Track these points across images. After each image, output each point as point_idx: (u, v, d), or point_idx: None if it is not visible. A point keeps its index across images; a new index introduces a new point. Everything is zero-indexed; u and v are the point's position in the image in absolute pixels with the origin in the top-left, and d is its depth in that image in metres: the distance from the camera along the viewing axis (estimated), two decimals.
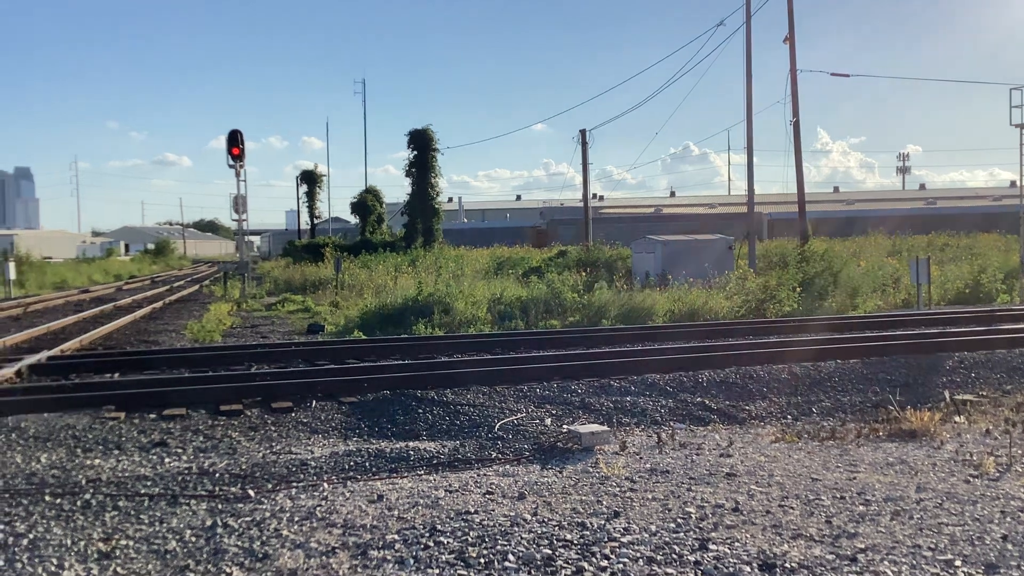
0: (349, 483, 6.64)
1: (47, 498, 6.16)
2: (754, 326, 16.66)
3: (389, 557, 4.84)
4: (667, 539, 5.05)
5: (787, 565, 4.61)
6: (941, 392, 10.52)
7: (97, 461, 7.22)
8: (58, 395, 9.55)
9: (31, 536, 5.34)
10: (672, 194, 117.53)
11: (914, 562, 4.69)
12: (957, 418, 9.18)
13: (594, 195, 70.87)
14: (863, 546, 4.95)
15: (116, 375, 11.61)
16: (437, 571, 4.61)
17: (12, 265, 33.98)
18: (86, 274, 50.77)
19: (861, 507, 5.79)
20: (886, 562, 4.69)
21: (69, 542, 5.23)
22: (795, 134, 31.67)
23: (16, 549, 5.11)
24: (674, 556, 4.76)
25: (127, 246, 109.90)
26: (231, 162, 28.15)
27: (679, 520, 5.46)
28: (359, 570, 4.66)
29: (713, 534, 5.15)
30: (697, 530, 5.24)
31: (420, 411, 9.24)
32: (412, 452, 7.60)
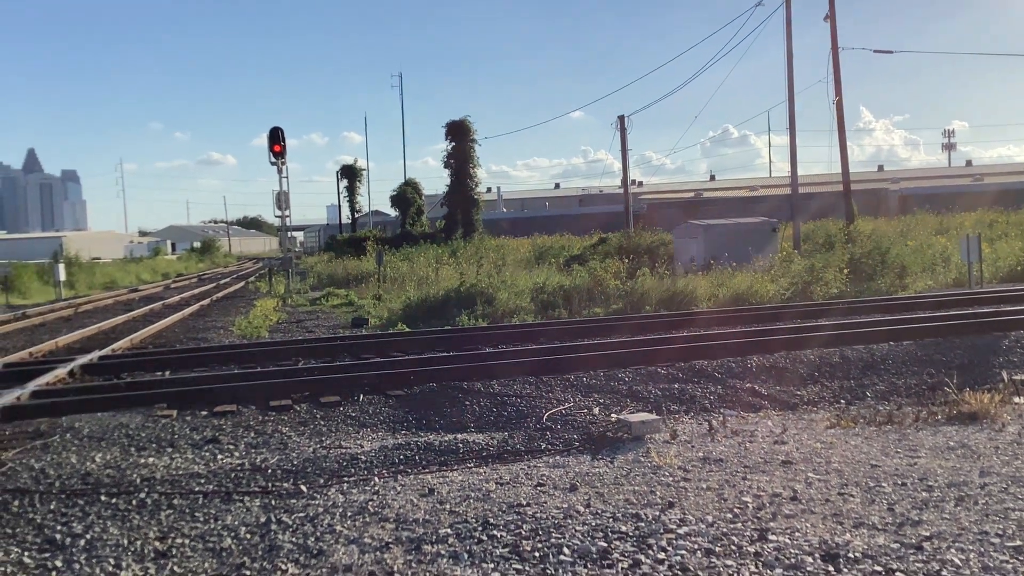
0: (399, 477, 6.62)
1: (103, 498, 6.22)
2: (801, 309, 16.41)
3: (443, 552, 4.80)
4: (724, 530, 4.96)
5: (850, 555, 4.49)
6: (999, 373, 10.26)
7: (151, 459, 7.29)
8: (111, 394, 9.66)
9: (88, 536, 5.38)
10: (712, 178, 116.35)
11: (982, 549, 4.55)
12: (1017, 399, 8.93)
13: (633, 181, 70.36)
14: (928, 534, 4.82)
15: (167, 373, 11.74)
16: (492, 566, 4.56)
17: (62, 267, 34.61)
18: (134, 273, 51.61)
19: (924, 493, 5.64)
20: (953, 550, 4.56)
21: (126, 541, 5.27)
22: (838, 113, 31.16)
23: (74, 550, 5.16)
24: (733, 547, 4.67)
25: (173, 245, 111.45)
26: (273, 159, 28.38)
27: (736, 510, 5.36)
28: (413, 565, 4.63)
29: (772, 524, 5.04)
30: (755, 520, 5.14)
31: (467, 403, 9.21)
32: (461, 444, 7.57)
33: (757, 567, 4.39)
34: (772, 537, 4.80)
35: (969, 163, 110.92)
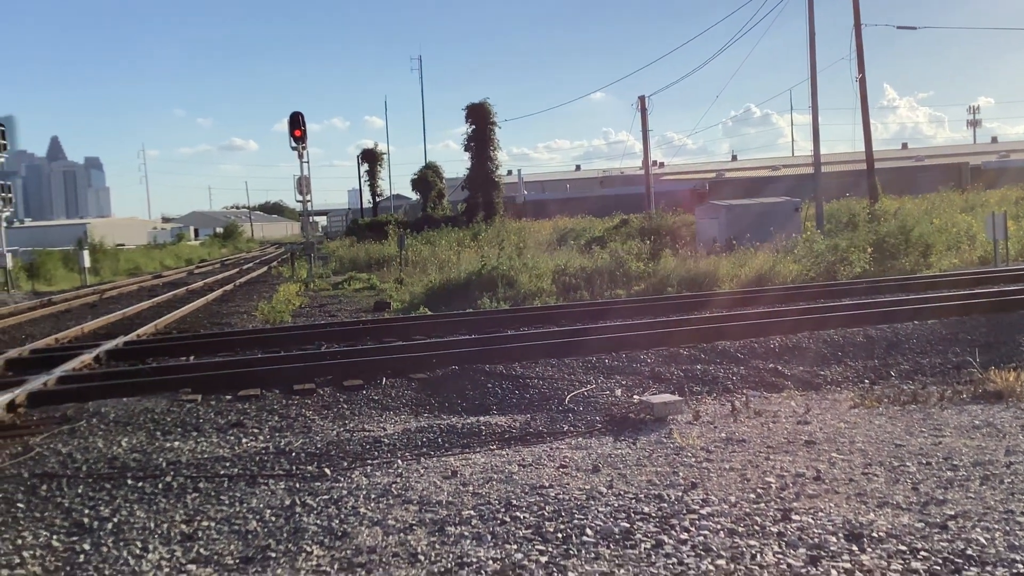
0: (423, 459, 6.65)
1: (129, 481, 6.29)
2: (825, 289, 16.30)
3: (466, 533, 4.83)
4: (747, 510, 4.95)
5: (874, 534, 4.48)
6: None
7: (176, 443, 7.36)
8: (136, 379, 9.76)
9: (115, 520, 5.45)
10: (734, 158, 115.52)
11: (1007, 528, 4.52)
12: None
13: (654, 162, 69.96)
14: (953, 513, 4.79)
15: (191, 358, 11.83)
16: (515, 547, 4.58)
17: (87, 253, 34.93)
18: (158, 259, 52.01)
19: (949, 472, 5.60)
20: (978, 529, 4.53)
21: (152, 524, 5.33)
22: (861, 91, 30.85)
23: (101, 533, 5.23)
24: (756, 527, 4.66)
25: (196, 231, 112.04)
26: (293, 144, 28.48)
27: (759, 490, 5.35)
28: (437, 546, 4.66)
29: (795, 504, 5.03)
30: (778, 500, 5.12)
31: (489, 385, 9.22)
32: (483, 427, 7.59)
33: (780, 547, 4.39)
34: (795, 517, 4.79)
35: (994, 140, 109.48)
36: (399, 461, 6.61)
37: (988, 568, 4.04)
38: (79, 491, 6.07)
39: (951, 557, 4.18)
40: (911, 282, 16.67)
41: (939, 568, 4.07)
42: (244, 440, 7.47)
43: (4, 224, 29.65)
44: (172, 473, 6.44)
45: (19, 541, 5.12)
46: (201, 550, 4.86)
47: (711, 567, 4.18)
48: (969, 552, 4.22)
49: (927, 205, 36.56)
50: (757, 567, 4.15)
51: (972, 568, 4.06)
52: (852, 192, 41.42)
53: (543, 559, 4.39)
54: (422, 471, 6.25)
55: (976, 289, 14.89)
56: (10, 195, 28.47)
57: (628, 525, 4.78)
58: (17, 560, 4.82)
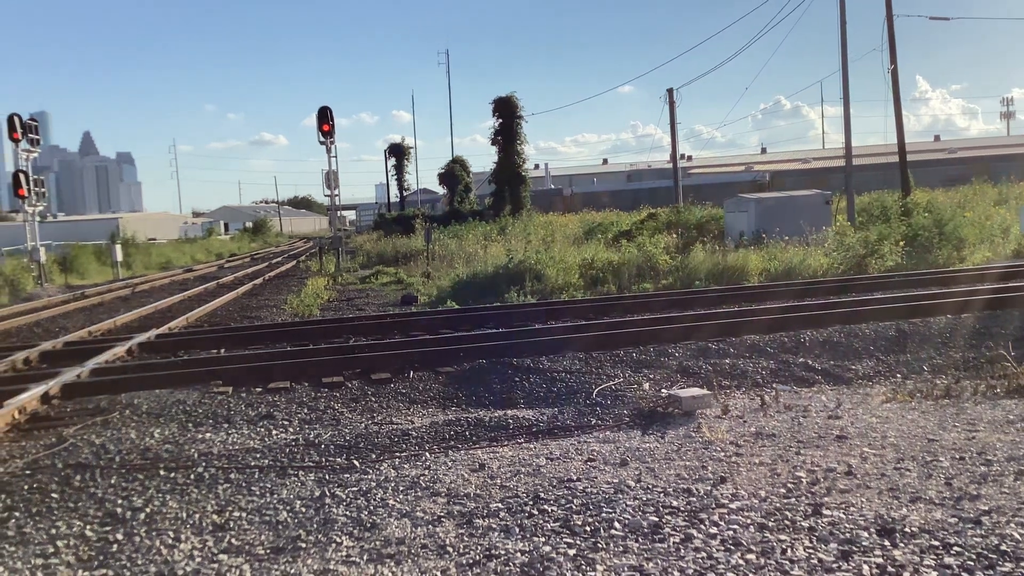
0: (450, 452, 6.67)
1: (161, 472, 6.36)
2: (856, 283, 16.14)
3: (494, 526, 4.83)
4: (778, 504, 4.92)
5: (907, 530, 4.43)
6: None
7: (208, 435, 7.43)
8: (168, 371, 9.86)
9: (148, 510, 5.51)
10: (763, 151, 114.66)
11: None
12: None
13: (682, 155, 69.59)
14: (987, 508, 4.73)
15: (222, 351, 11.94)
16: (543, 539, 4.58)
17: (119, 247, 35.37)
18: (189, 254, 52.48)
19: (982, 468, 5.53)
20: (1012, 524, 4.47)
21: (184, 515, 5.38)
22: (893, 82, 30.49)
23: (134, 523, 5.29)
24: (786, 522, 4.63)
25: (226, 225, 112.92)
26: (321, 139, 28.63)
27: (789, 485, 5.31)
28: (465, 539, 4.67)
29: (826, 499, 4.99)
30: (809, 495, 5.08)
31: (517, 379, 9.22)
32: (511, 420, 7.59)
33: (811, 541, 4.35)
34: (826, 512, 4.75)
35: None
36: (427, 454, 6.63)
37: (1023, 564, 3.99)
38: (112, 482, 6.15)
39: (985, 552, 4.13)
40: (945, 275, 16.47)
41: (972, 563, 4.02)
42: (274, 432, 7.53)
43: (38, 219, 30.02)
44: (204, 464, 6.50)
45: (53, 531, 5.19)
46: (232, 540, 4.90)
47: (740, 561, 4.15)
48: (1003, 548, 4.17)
49: (960, 198, 36.11)
50: (788, 562, 4.13)
51: (1007, 564, 4.00)
52: (884, 185, 40.96)
53: (571, 552, 4.39)
54: (450, 464, 6.27)
55: (1010, 283, 14.68)
56: (43, 190, 28.81)
57: (657, 519, 4.76)
58: (51, 549, 4.89)
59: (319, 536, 4.89)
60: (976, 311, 11.49)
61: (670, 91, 43.51)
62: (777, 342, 10.30)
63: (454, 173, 60.19)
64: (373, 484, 5.82)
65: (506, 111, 49.89)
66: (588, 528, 4.69)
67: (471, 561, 4.37)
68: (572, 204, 62.72)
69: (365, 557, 4.53)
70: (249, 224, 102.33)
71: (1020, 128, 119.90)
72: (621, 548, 4.41)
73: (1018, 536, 4.31)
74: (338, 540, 4.80)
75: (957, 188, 43.96)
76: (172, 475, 6.28)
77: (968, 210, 28.20)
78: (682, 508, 4.92)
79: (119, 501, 5.71)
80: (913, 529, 4.44)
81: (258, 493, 5.78)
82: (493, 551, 4.46)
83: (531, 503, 5.16)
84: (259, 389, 9.11)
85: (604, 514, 4.88)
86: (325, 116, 28.42)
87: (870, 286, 15.68)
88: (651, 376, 9.25)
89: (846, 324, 10.94)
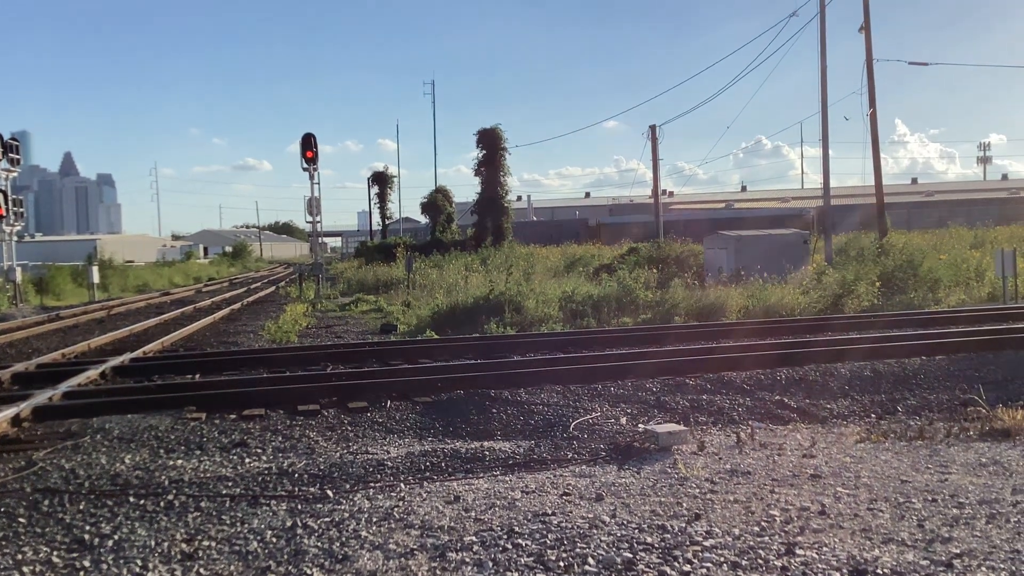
0: (425, 483, 6.63)
1: (131, 499, 6.27)
2: (832, 322, 16.25)
3: (468, 559, 4.80)
4: (751, 543, 4.91)
5: (879, 571, 4.43)
6: None
7: (179, 462, 7.35)
8: (141, 396, 9.77)
9: (116, 537, 5.43)
10: (743, 188, 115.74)
11: (1013, 568, 4.47)
12: None
13: (664, 191, 70.13)
14: (958, 551, 4.74)
15: (197, 376, 11.83)
16: (516, 574, 4.55)
17: (96, 269, 35.07)
18: (166, 277, 52.18)
19: (955, 510, 5.56)
20: (983, 568, 4.48)
21: (153, 543, 5.31)
22: (872, 126, 30.93)
23: (102, 550, 5.21)
24: (759, 561, 4.62)
25: (206, 249, 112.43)
26: (305, 165, 28.68)
27: (763, 523, 5.31)
28: (438, 572, 4.63)
29: (800, 538, 4.99)
30: (782, 534, 5.08)
31: (494, 411, 9.20)
32: (487, 452, 7.56)
33: None
34: (799, 552, 4.75)
35: (1005, 177, 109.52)
36: (402, 485, 6.59)
37: None
38: (81, 507, 6.06)
39: None
40: (919, 317, 16.61)
41: None
42: (247, 460, 7.46)
43: (15, 238, 29.80)
44: (174, 491, 6.43)
45: (19, 556, 5.11)
46: (201, 570, 4.84)
47: None
48: None
49: (936, 240, 36.52)
50: None
51: None
52: (862, 226, 41.39)
53: None
54: (425, 495, 6.22)
55: (984, 326, 14.84)
56: (22, 209, 28.64)
57: (631, 555, 4.74)
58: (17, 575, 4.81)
59: (289, 567, 4.83)
60: (951, 353, 11.59)
61: (653, 128, 43.97)
62: (754, 379, 10.35)
63: (437, 203, 60.37)
64: (346, 515, 5.77)
65: (490, 143, 50.19)
66: (562, 564, 4.67)
67: None
68: (597, 234, 64.01)
69: None
70: (229, 248, 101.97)
71: (996, 173, 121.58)
72: None
73: None
74: (309, 572, 4.75)
75: (934, 231, 44.48)
76: (142, 502, 6.20)
77: (943, 253, 28.52)
78: (656, 545, 4.91)
79: (87, 527, 5.63)
80: (885, 571, 4.45)
81: (228, 522, 5.71)
82: None
83: (505, 537, 5.13)
84: (233, 416, 9.03)
85: (578, 549, 4.86)
86: (309, 143, 28.49)
87: (847, 326, 15.80)
88: (628, 410, 9.26)
89: (822, 363, 11.00)
